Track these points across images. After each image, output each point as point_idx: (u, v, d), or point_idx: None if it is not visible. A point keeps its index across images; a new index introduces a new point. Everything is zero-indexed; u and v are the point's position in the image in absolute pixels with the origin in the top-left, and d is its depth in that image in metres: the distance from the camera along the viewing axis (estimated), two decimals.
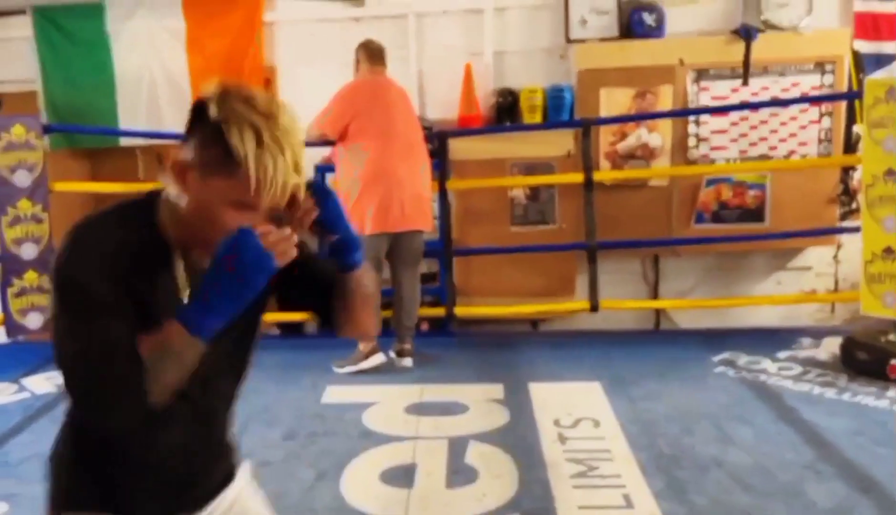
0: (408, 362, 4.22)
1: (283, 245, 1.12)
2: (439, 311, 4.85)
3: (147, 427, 1.21)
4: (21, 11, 5.45)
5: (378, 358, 4.17)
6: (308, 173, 4.88)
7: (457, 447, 3.18)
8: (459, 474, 2.96)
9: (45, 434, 3.41)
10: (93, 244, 1.15)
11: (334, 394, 3.87)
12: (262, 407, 3.66)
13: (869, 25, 5.10)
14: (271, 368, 4.26)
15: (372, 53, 4.26)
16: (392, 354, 4.23)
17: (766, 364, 4.09)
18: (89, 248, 1.14)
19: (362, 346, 4.13)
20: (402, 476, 2.95)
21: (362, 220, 4.01)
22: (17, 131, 4.66)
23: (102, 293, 1.11)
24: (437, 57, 5.36)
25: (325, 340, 5.06)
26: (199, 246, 1.19)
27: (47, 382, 4.12)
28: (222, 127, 1.08)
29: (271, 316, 5.21)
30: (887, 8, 5.07)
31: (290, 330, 5.31)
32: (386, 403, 3.71)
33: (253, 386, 3.99)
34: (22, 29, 5.46)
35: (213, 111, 1.10)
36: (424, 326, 5.13)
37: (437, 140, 4.76)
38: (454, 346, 4.66)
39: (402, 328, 4.26)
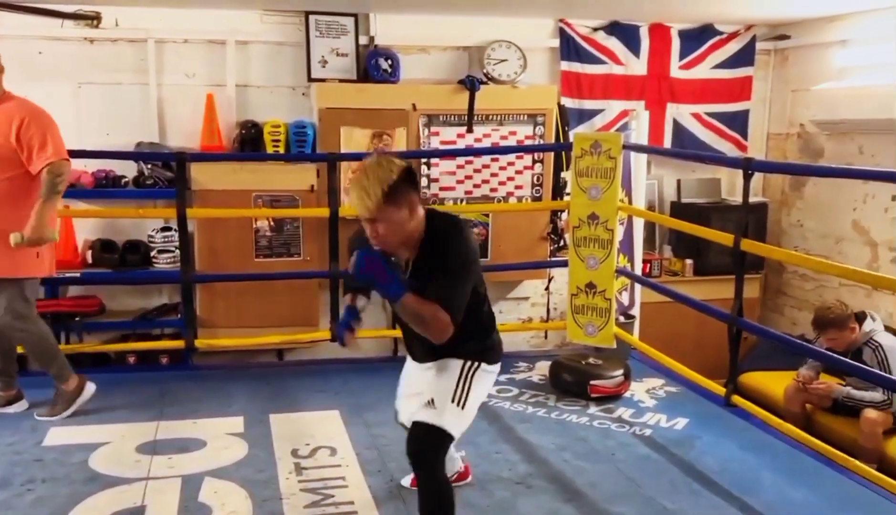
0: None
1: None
2: (179, 344, 4.69)
3: None
4: None
5: (90, 389, 3.86)
6: None
7: (190, 485, 3.11)
8: (191, 513, 2.90)
9: None
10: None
11: (58, 436, 3.56)
12: None
13: (573, 84, 5.77)
14: None
15: None
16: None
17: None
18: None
19: (65, 385, 3.80)
20: None
21: None
22: None
23: None
24: (179, 85, 5.22)
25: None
26: None
27: None
28: None
29: None
30: (587, 70, 5.78)
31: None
32: (117, 443, 3.52)
33: None
34: None
35: None
36: (164, 360, 4.96)
37: (176, 164, 4.58)
38: (195, 379, 4.51)
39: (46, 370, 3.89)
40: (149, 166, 5.00)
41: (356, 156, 5.05)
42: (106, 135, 5.06)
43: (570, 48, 5.72)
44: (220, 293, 4.99)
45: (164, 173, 4.96)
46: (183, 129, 5.21)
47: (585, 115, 5.82)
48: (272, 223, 5.09)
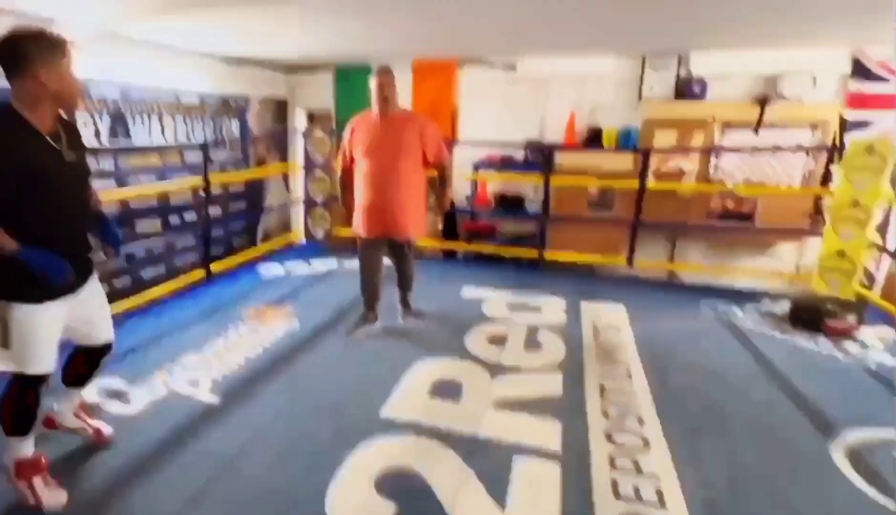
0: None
1: None
2: (534, 253, 4.78)
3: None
4: (327, 68, 5.78)
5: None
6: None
7: (532, 331, 3.22)
8: (532, 346, 3.02)
9: (322, 290, 3.84)
10: None
11: (468, 292, 3.92)
12: (426, 296, 3.58)
13: (857, 100, 4.35)
14: (434, 276, 4.27)
15: None
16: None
17: (737, 310, 3.75)
18: None
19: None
20: (498, 342, 3.03)
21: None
22: (319, 134, 5.07)
23: None
24: (554, 105, 5.18)
25: (464, 262, 5.09)
26: None
27: (324, 266, 4.47)
28: None
29: (437, 244, 5.15)
30: (874, 89, 4.29)
31: (447, 254, 5.32)
32: (497, 300, 3.75)
33: (422, 283, 3.82)
34: (327, 77, 5.82)
35: None
36: (525, 262, 5.06)
37: (548, 152, 4.62)
38: (541, 275, 4.59)
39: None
40: (531, 153, 5.09)
41: (662, 150, 4.57)
42: (512, 133, 5.22)
43: (860, 72, 4.27)
44: (563, 228, 4.88)
45: (539, 155, 5.02)
46: (554, 130, 5.18)
47: (864, 124, 4.34)
48: (599, 189, 4.86)
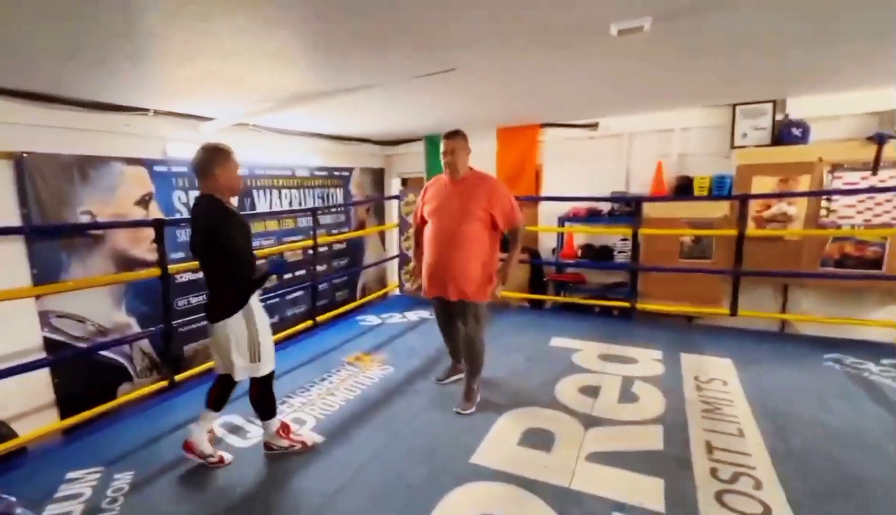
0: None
1: None
2: (626, 304, 4.51)
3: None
4: (418, 139, 6.20)
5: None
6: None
7: (627, 382, 3.01)
8: (627, 398, 2.82)
9: (414, 339, 3.92)
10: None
11: (556, 342, 3.75)
12: (513, 346, 3.61)
13: None
14: (520, 324, 4.19)
15: None
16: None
17: (870, 365, 3.19)
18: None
19: (476, 384, 2.80)
20: (590, 393, 2.88)
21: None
22: (411, 197, 5.36)
23: None
24: (639, 158, 5.07)
25: (552, 311, 4.94)
26: None
27: (416, 316, 4.50)
28: None
29: (523, 295, 5.16)
30: None
31: (534, 305, 5.23)
32: (587, 351, 3.56)
33: (508, 333, 3.90)
34: (419, 146, 6.24)
35: None
36: (616, 313, 4.80)
37: (635, 203, 4.45)
38: (633, 326, 4.30)
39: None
40: (616, 206, 4.97)
41: (762, 196, 4.23)
42: (596, 186, 5.18)
43: None
44: (656, 278, 4.67)
45: (625, 208, 4.88)
46: (641, 182, 5.04)
47: None
48: (693, 238, 4.57)
